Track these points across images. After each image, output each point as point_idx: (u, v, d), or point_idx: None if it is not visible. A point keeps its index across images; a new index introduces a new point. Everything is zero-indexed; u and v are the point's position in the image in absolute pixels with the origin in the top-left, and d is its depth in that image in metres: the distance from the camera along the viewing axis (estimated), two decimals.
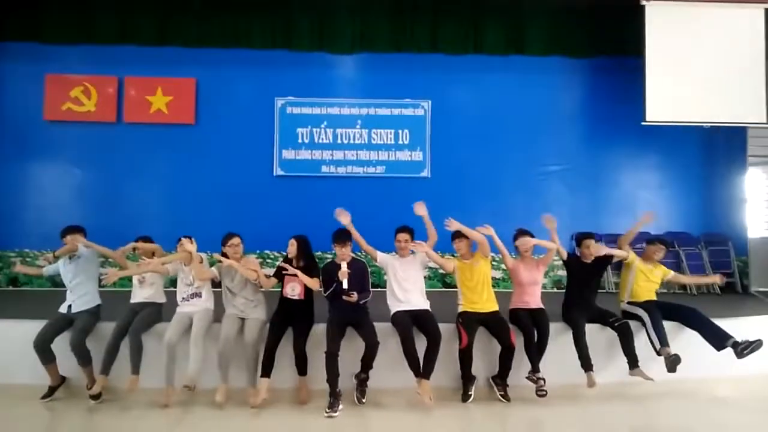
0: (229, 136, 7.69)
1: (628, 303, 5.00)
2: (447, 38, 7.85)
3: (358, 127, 7.86)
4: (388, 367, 4.46)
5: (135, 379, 4.30)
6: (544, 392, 4.37)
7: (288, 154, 7.79)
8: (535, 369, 4.47)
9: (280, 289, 4.63)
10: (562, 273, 7.04)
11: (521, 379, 4.54)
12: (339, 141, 7.83)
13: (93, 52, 7.60)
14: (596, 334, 4.78)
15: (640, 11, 7.01)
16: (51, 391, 4.40)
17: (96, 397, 4.28)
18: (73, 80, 7.55)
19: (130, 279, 4.87)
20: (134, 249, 4.90)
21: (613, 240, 6.92)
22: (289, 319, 4.51)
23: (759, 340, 4.46)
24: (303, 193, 7.61)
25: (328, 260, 4.79)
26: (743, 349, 4.43)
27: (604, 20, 7.69)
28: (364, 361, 4.32)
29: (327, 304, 4.58)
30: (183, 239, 4.55)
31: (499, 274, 7.43)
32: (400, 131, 7.87)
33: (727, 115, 7.05)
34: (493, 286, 4.81)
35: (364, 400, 4.34)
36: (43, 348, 4.33)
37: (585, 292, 4.94)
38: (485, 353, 4.70)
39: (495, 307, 4.67)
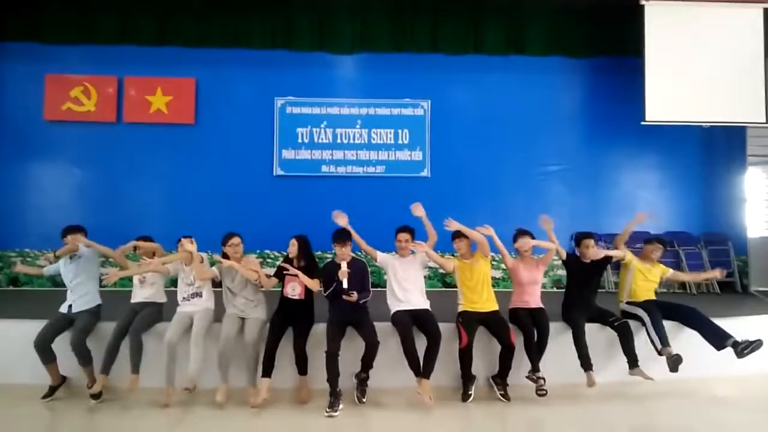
0: (228, 136, 7.69)
1: (627, 303, 5.00)
2: (447, 38, 7.86)
3: (357, 126, 7.86)
4: (388, 366, 4.46)
5: (135, 378, 4.31)
6: (544, 392, 4.37)
7: (288, 153, 7.80)
8: (535, 368, 4.48)
9: (280, 289, 4.64)
10: (562, 272, 7.04)
11: (521, 379, 4.54)
12: (339, 141, 7.83)
13: (93, 52, 7.60)
14: (596, 334, 4.78)
15: (639, 11, 7.02)
16: (51, 390, 4.41)
17: (96, 396, 4.29)
18: (73, 80, 7.56)
19: (130, 279, 4.86)
20: (135, 248, 4.90)
21: (612, 240, 6.94)
22: (289, 318, 4.51)
23: (759, 340, 4.46)
24: (303, 193, 7.62)
25: (328, 260, 4.79)
26: (743, 348, 4.43)
27: (603, 20, 7.70)
28: (364, 361, 4.33)
29: (327, 303, 4.59)
30: (183, 239, 4.55)
31: (499, 274, 7.44)
32: (399, 131, 7.88)
33: (726, 114, 7.06)
34: (493, 286, 4.82)
35: (364, 400, 4.34)
36: (44, 348, 4.33)
37: (585, 292, 4.94)
38: (485, 353, 4.71)
39: (495, 307, 4.67)
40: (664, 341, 4.56)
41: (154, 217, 7.26)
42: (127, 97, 7.64)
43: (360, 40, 7.81)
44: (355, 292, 4.34)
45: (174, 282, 4.87)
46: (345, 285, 4.36)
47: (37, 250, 7.35)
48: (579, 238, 5.00)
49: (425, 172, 7.85)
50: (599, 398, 4.51)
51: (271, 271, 4.87)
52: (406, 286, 4.66)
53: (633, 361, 4.58)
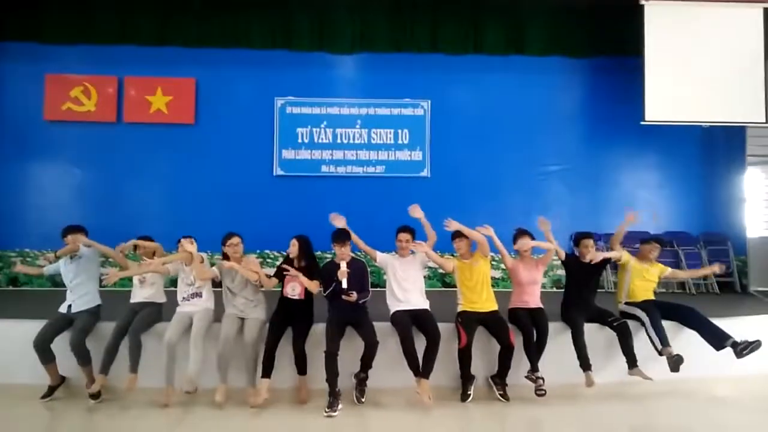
0: (228, 136, 7.70)
1: (626, 303, 5.00)
2: (447, 38, 7.86)
3: (357, 126, 7.86)
4: (387, 366, 4.46)
5: (134, 377, 4.31)
6: (543, 391, 4.38)
7: (288, 153, 7.80)
8: (534, 368, 4.48)
9: (280, 289, 4.64)
10: (562, 272, 7.04)
11: (520, 379, 4.54)
12: (339, 141, 7.84)
13: (93, 52, 7.61)
14: (595, 334, 4.78)
15: (639, 11, 7.02)
16: (51, 390, 4.41)
17: (95, 396, 4.29)
18: (73, 80, 7.56)
19: (130, 279, 4.86)
20: (135, 247, 4.89)
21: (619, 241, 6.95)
22: (288, 318, 4.51)
23: (758, 340, 4.46)
24: (303, 193, 7.62)
25: (328, 260, 4.80)
26: (742, 349, 4.43)
27: (603, 20, 7.70)
28: (364, 361, 4.33)
29: (326, 303, 4.59)
30: (183, 240, 4.55)
31: (498, 274, 7.44)
32: (399, 131, 7.88)
33: (726, 114, 7.06)
34: (493, 286, 4.82)
35: (363, 400, 4.35)
36: (43, 348, 4.33)
37: (584, 292, 4.94)
38: (484, 353, 4.71)
39: (494, 307, 4.68)
40: (664, 341, 4.56)
41: (154, 217, 7.27)
42: (127, 97, 7.65)
43: (360, 40, 7.81)
44: (354, 292, 4.35)
45: (173, 282, 4.88)
46: (344, 285, 4.37)
47: (37, 250, 7.36)
48: (578, 238, 5.01)
49: (425, 172, 7.85)
50: (598, 398, 4.52)
51: (272, 271, 4.87)
52: (405, 286, 4.66)
53: (632, 361, 4.58)
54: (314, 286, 4.51)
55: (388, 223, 4.88)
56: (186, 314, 4.55)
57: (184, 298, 4.66)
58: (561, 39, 7.89)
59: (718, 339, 4.58)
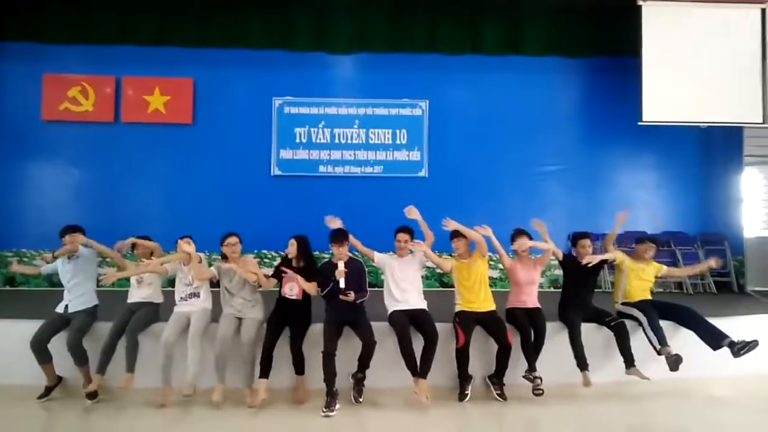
0: (226, 135, 7.69)
1: (623, 304, 5.00)
2: (445, 38, 7.87)
3: (355, 126, 7.86)
4: (385, 366, 4.46)
5: (130, 377, 4.30)
6: (541, 391, 4.38)
7: (285, 153, 7.80)
8: (531, 368, 4.48)
9: (278, 289, 4.63)
10: (559, 272, 7.04)
11: (518, 379, 4.55)
12: (337, 141, 7.84)
13: (91, 51, 7.60)
14: (593, 334, 4.79)
15: (637, 11, 7.04)
16: (47, 391, 4.39)
17: (92, 396, 4.28)
18: (70, 80, 7.55)
19: (127, 279, 4.84)
20: (133, 246, 4.88)
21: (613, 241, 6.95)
22: (286, 318, 4.51)
23: (755, 340, 4.46)
24: (300, 193, 7.62)
25: (325, 260, 4.79)
26: (740, 349, 4.43)
27: (601, 20, 7.71)
28: (361, 361, 4.33)
29: (324, 303, 4.59)
30: (180, 241, 4.54)
31: (496, 274, 7.44)
32: (397, 131, 7.89)
33: (723, 115, 7.08)
34: (491, 286, 4.81)
35: (361, 400, 4.34)
36: (40, 348, 4.32)
37: (581, 292, 4.94)
38: (482, 352, 4.71)
39: (492, 307, 4.68)
40: (663, 341, 4.56)
41: (152, 217, 7.25)
42: (124, 97, 7.64)
43: (358, 40, 7.82)
44: (352, 292, 4.34)
45: (171, 282, 4.87)
46: (342, 285, 4.36)
47: (34, 250, 7.34)
48: (575, 238, 5.01)
49: (423, 172, 7.86)
50: (596, 398, 4.52)
51: (270, 271, 4.86)
52: (403, 286, 4.66)
53: (629, 361, 4.58)
54: (312, 289, 4.51)
55: (386, 223, 4.87)
56: (183, 314, 4.54)
57: (181, 298, 4.65)
58: (559, 39, 7.90)
59: (715, 339, 4.58)
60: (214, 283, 4.69)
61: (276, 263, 4.77)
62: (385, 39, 7.82)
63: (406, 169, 7.84)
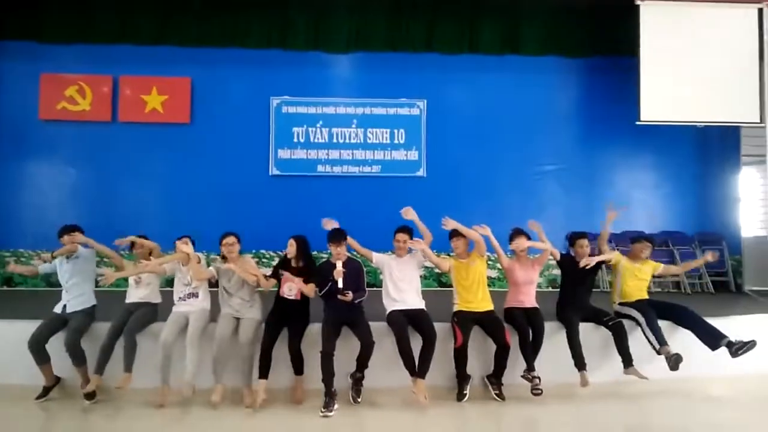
0: (224, 135, 7.69)
1: (620, 304, 4.99)
2: (443, 38, 7.88)
3: (353, 126, 7.86)
4: (383, 366, 4.45)
5: (128, 376, 4.29)
6: (540, 391, 4.37)
7: (283, 153, 7.80)
8: (530, 368, 4.48)
9: (276, 289, 4.62)
10: (557, 272, 7.04)
11: (516, 378, 4.54)
12: (334, 140, 7.84)
13: (88, 51, 7.59)
14: (591, 333, 4.79)
15: (634, 11, 7.05)
16: (45, 391, 4.38)
17: (90, 396, 4.27)
18: (68, 79, 7.54)
19: (126, 279, 4.83)
20: (132, 244, 4.86)
21: (607, 240, 6.94)
22: (284, 318, 4.50)
23: (753, 340, 4.47)
24: (299, 193, 7.62)
25: (324, 260, 4.79)
26: (738, 349, 4.44)
27: (599, 20, 7.73)
28: (360, 361, 4.33)
29: (322, 303, 4.58)
30: (178, 243, 4.53)
31: (494, 274, 7.44)
32: (395, 131, 7.89)
33: (721, 114, 7.10)
34: (489, 286, 4.81)
35: (359, 400, 4.34)
36: (38, 348, 4.31)
37: (579, 291, 4.94)
38: (480, 352, 4.71)
39: (490, 307, 4.68)
40: (662, 341, 4.55)
41: (150, 217, 7.24)
42: (122, 97, 7.63)
43: (356, 39, 7.82)
44: (350, 292, 4.33)
45: (169, 282, 4.86)
46: (340, 285, 4.35)
47: (32, 250, 7.33)
48: (573, 237, 5.01)
49: (421, 172, 7.86)
50: (594, 397, 4.52)
51: (268, 270, 4.85)
52: (401, 286, 4.65)
53: (627, 361, 4.58)
54: (311, 291, 4.50)
55: (384, 223, 4.87)
56: (182, 314, 4.53)
57: (180, 298, 4.64)
58: (557, 39, 7.92)
59: (713, 339, 4.58)
60: (213, 283, 4.68)
61: (274, 263, 4.75)
62: (382, 38, 7.82)
63: (404, 169, 7.85)
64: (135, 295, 4.74)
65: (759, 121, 7.03)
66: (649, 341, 4.61)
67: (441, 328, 4.54)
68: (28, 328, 4.39)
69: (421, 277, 4.88)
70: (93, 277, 4.73)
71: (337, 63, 7.90)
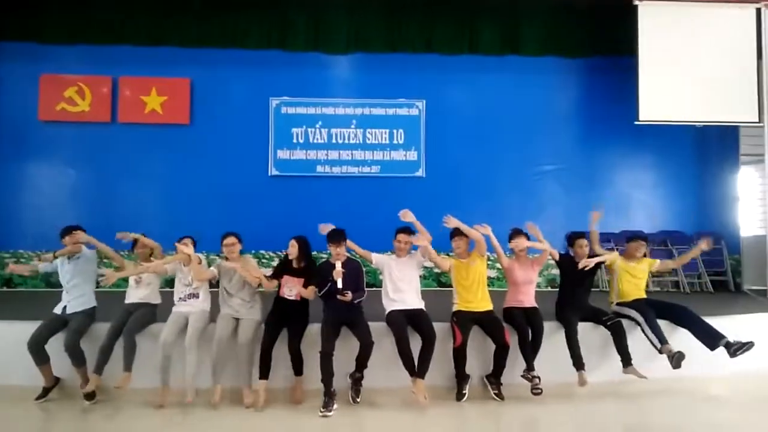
0: (223, 136, 7.70)
1: (618, 304, 5.00)
2: (442, 38, 7.89)
3: (352, 126, 7.87)
4: (382, 366, 4.46)
5: (127, 376, 4.29)
6: (540, 390, 4.38)
7: (283, 154, 7.80)
8: (529, 368, 4.48)
9: (276, 289, 4.62)
10: (556, 272, 7.05)
11: (515, 378, 4.55)
12: (334, 141, 7.84)
13: (88, 52, 7.60)
14: (590, 333, 4.79)
15: (633, 11, 7.06)
16: (45, 392, 4.38)
17: (90, 396, 4.27)
18: (67, 80, 7.55)
19: (126, 279, 4.82)
20: (135, 241, 4.85)
21: (606, 239, 6.98)
22: (284, 319, 4.50)
23: (751, 341, 4.47)
24: (298, 193, 7.63)
25: (323, 260, 4.80)
26: (736, 349, 4.44)
27: (598, 20, 7.74)
28: (359, 361, 4.33)
29: (321, 303, 4.58)
30: (179, 245, 4.52)
31: (493, 273, 7.44)
32: (394, 131, 7.90)
33: (719, 114, 7.11)
34: (489, 286, 4.81)
35: (358, 400, 4.34)
36: (37, 349, 4.31)
37: (578, 291, 4.95)
38: (479, 352, 4.71)
39: (489, 307, 4.68)
40: (662, 339, 4.55)
41: (150, 218, 7.23)
42: (121, 97, 7.63)
43: (355, 40, 7.83)
44: (349, 292, 4.33)
45: (169, 282, 4.86)
46: (339, 285, 4.36)
47: (31, 251, 7.33)
48: (572, 238, 5.01)
49: (420, 172, 7.86)
50: (593, 397, 4.52)
51: (268, 271, 4.85)
52: (401, 286, 4.65)
53: (626, 360, 4.59)
54: (311, 294, 4.50)
55: (383, 223, 4.88)
56: (182, 314, 4.54)
57: (180, 298, 4.64)
58: (556, 39, 7.93)
59: (711, 339, 4.58)
60: (214, 284, 4.69)
61: (274, 264, 4.75)
62: (382, 39, 7.83)
63: (404, 169, 7.85)
64: (135, 295, 4.74)
65: (757, 120, 7.05)
66: (650, 341, 4.61)
67: (440, 328, 4.54)
68: (27, 329, 4.39)
69: (420, 277, 4.88)
70: (94, 278, 4.73)
71: (336, 63, 7.91)
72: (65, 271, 4.60)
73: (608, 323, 4.71)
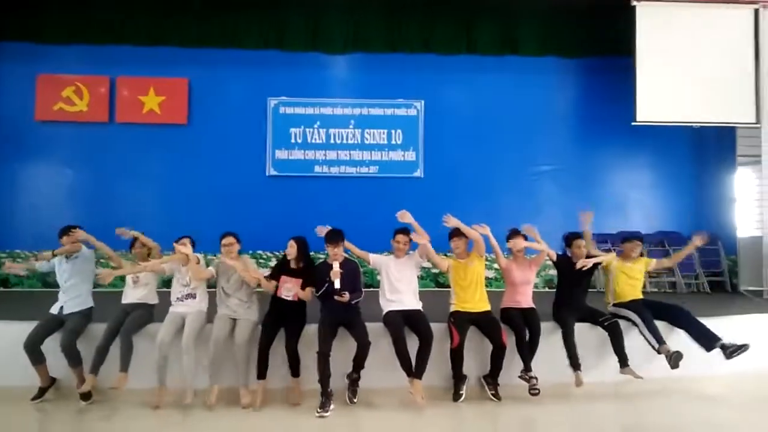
0: (221, 136, 7.69)
1: (614, 305, 5.00)
2: (440, 38, 7.90)
3: (351, 127, 7.87)
4: (379, 366, 4.46)
5: (123, 376, 4.27)
6: (537, 391, 4.38)
7: (281, 154, 7.80)
8: (527, 368, 4.48)
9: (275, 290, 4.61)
10: (554, 272, 7.07)
11: (512, 378, 4.55)
12: (332, 141, 7.84)
13: (86, 52, 7.59)
14: (587, 333, 4.79)
15: (631, 11, 7.06)
16: (41, 392, 4.37)
17: (86, 396, 4.26)
18: (64, 80, 7.54)
19: (123, 278, 4.82)
20: (134, 239, 4.83)
21: (603, 240, 6.99)
22: (281, 319, 4.49)
23: (746, 344, 4.47)
24: (296, 193, 7.63)
25: (321, 260, 4.79)
26: (731, 352, 4.45)
27: (597, 20, 7.75)
28: (356, 361, 4.33)
29: (319, 304, 4.58)
30: (177, 245, 4.52)
31: (491, 274, 7.44)
32: (393, 131, 7.90)
33: (716, 115, 7.13)
34: (487, 286, 4.81)
35: (355, 400, 4.34)
36: (33, 349, 4.29)
37: (575, 292, 4.95)
38: (477, 353, 4.70)
39: (487, 307, 4.68)
40: (660, 339, 4.55)
41: (147, 218, 7.20)
42: (119, 97, 7.63)
43: (353, 40, 7.84)
44: (347, 293, 4.33)
45: (166, 283, 4.84)
46: (337, 285, 4.35)
47: (28, 251, 7.31)
48: (570, 238, 5.01)
49: (418, 173, 7.87)
50: (590, 397, 4.53)
51: (266, 271, 4.85)
52: (399, 286, 4.64)
53: (623, 361, 4.59)
54: (309, 296, 4.50)
55: (381, 224, 4.87)
56: (179, 315, 4.52)
57: (177, 298, 4.62)
58: (554, 39, 7.95)
59: (707, 340, 4.58)
60: (211, 284, 4.68)
61: (272, 264, 4.74)
62: (380, 39, 7.84)
63: (402, 170, 7.85)
64: (132, 295, 4.72)
65: (755, 121, 7.06)
66: (647, 341, 4.61)
67: (437, 329, 4.54)
68: (24, 329, 4.38)
69: (418, 277, 4.88)
70: (91, 279, 4.71)
71: (334, 64, 7.91)
72: (63, 271, 4.58)
73: (605, 324, 4.71)
